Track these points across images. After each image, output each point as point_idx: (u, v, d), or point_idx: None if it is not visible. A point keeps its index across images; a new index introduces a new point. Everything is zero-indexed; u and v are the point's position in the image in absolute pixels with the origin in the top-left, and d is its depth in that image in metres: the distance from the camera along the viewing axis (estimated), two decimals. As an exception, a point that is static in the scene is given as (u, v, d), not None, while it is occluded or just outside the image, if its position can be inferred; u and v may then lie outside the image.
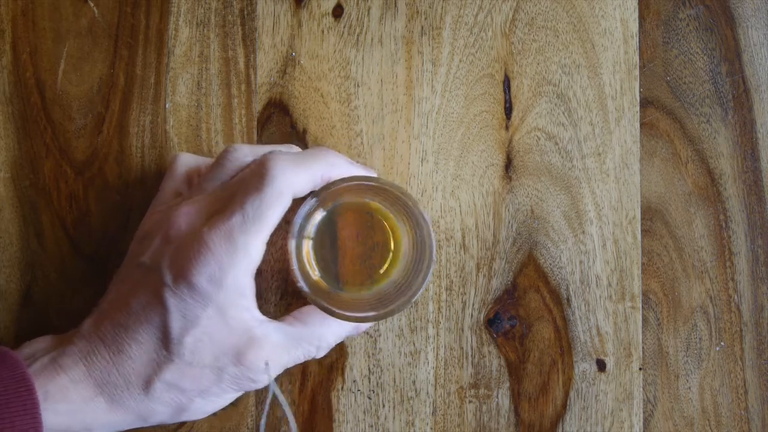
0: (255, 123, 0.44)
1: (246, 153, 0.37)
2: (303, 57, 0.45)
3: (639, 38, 0.45)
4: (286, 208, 0.34)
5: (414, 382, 0.44)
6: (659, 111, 0.45)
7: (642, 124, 0.45)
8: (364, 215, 0.40)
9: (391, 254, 0.40)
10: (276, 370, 0.36)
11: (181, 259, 0.33)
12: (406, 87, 0.45)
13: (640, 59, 0.45)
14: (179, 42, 0.44)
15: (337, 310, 0.35)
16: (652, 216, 0.45)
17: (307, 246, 0.39)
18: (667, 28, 0.46)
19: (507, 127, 0.45)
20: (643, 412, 0.44)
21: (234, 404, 0.43)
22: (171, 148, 0.44)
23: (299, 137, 0.44)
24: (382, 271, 0.40)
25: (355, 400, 0.44)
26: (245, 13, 0.44)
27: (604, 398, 0.44)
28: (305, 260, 0.38)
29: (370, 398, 0.44)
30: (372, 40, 0.45)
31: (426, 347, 0.44)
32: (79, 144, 0.43)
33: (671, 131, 0.45)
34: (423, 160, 0.44)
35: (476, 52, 0.45)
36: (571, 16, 0.45)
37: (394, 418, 0.44)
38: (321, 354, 0.39)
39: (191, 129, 0.44)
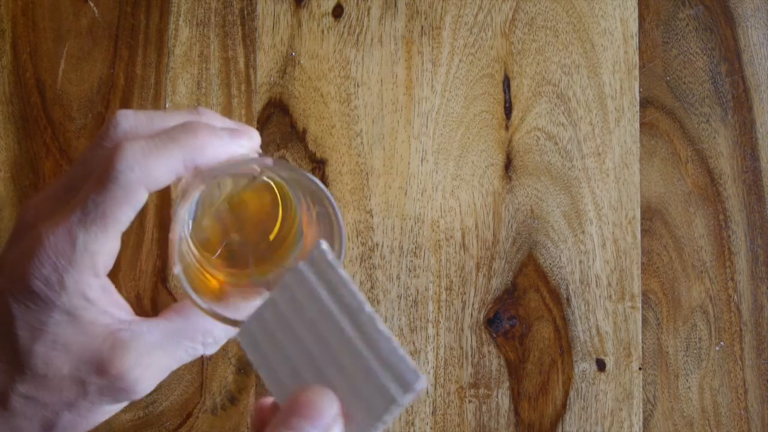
0: (255, 123, 0.44)
1: (131, 125, 0.31)
2: (303, 57, 0.45)
3: (639, 38, 0.46)
4: (140, 204, 0.30)
5: (414, 382, 0.44)
6: (659, 111, 0.46)
7: (642, 124, 0.45)
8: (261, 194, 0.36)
9: (279, 228, 0.36)
10: (156, 375, 0.32)
11: (20, 261, 0.30)
12: (406, 87, 0.45)
13: (639, 59, 0.45)
14: (179, 42, 0.44)
15: (218, 311, 0.30)
16: (651, 216, 0.45)
17: (192, 236, 0.34)
18: (666, 28, 0.46)
19: (507, 127, 0.45)
20: (643, 412, 0.44)
21: (234, 403, 0.43)
22: (171, 148, 0.44)
23: (299, 137, 0.44)
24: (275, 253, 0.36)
25: (355, 400, 0.44)
26: (245, 13, 0.44)
27: (603, 398, 0.44)
28: (191, 254, 0.33)
29: (370, 398, 0.44)
30: (372, 40, 0.45)
31: (426, 347, 0.44)
32: (79, 144, 0.43)
33: (671, 131, 0.45)
34: (423, 160, 0.44)
35: (476, 52, 0.45)
36: (571, 16, 0.45)
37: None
38: (210, 351, 0.34)
39: (191, 129, 0.44)
